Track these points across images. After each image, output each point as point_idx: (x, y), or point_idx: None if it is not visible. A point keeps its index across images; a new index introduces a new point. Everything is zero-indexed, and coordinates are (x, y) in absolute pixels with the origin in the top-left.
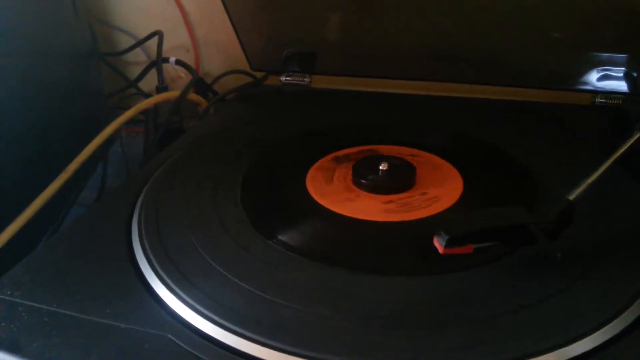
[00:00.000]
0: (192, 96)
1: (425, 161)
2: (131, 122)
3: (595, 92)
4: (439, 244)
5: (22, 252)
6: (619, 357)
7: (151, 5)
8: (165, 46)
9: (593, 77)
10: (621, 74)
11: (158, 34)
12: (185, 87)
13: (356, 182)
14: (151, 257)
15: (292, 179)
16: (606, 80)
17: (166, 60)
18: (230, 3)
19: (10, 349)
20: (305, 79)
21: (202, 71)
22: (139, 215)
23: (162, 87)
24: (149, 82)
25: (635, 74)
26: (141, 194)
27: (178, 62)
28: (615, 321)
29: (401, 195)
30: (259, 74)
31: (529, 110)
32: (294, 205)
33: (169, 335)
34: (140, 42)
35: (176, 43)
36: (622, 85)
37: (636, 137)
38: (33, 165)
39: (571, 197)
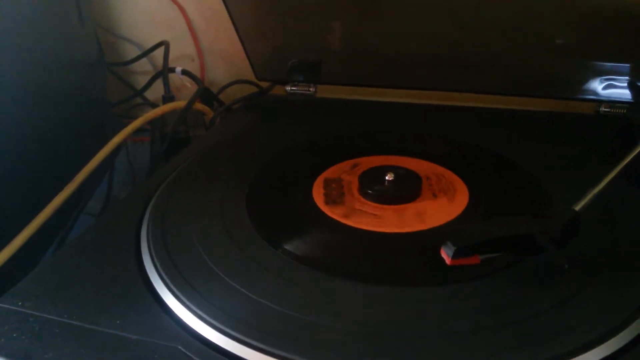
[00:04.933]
0: (199, 106)
1: (430, 171)
2: (137, 131)
3: (600, 101)
4: (446, 254)
5: (29, 261)
6: None
7: (157, 15)
8: (170, 56)
9: (597, 86)
10: (625, 83)
11: (164, 44)
12: (192, 97)
13: (362, 192)
14: (160, 268)
15: (299, 188)
16: (610, 89)
17: (172, 70)
18: (236, 13)
19: None
20: (311, 89)
21: (208, 81)
22: (148, 225)
23: (168, 97)
24: (155, 91)
25: (639, 83)
26: (149, 205)
27: (184, 72)
28: (623, 332)
29: (407, 206)
30: (264, 84)
31: (533, 119)
32: (300, 215)
33: (179, 346)
34: (146, 52)
35: (181, 53)
36: (626, 94)
37: None
38: (40, 175)
39: (577, 207)
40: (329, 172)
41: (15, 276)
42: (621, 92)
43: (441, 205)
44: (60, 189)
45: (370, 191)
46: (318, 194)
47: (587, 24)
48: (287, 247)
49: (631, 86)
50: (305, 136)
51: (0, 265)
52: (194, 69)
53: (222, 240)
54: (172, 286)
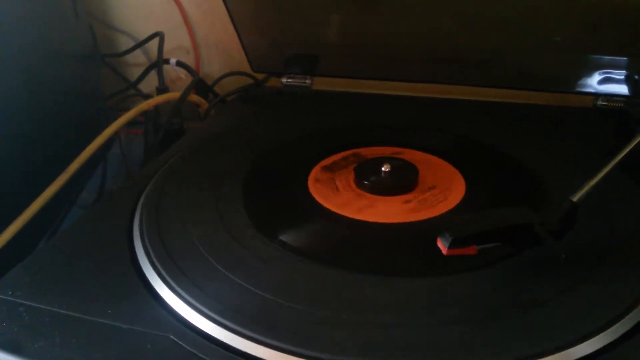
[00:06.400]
0: (193, 97)
1: (427, 163)
2: (130, 123)
3: (597, 95)
4: (442, 245)
5: (20, 253)
6: (625, 358)
7: (152, 6)
8: (165, 47)
9: (595, 80)
10: (622, 77)
11: (159, 35)
12: (186, 88)
13: (358, 183)
14: (153, 258)
15: (294, 180)
16: (608, 83)
17: (167, 61)
18: (232, 4)
19: (11, 350)
20: (307, 81)
21: (202, 73)
22: (141, 216)
23: (162, 89)
24: (149, 83)
25: (636, 77)
26: (142, 195)
27: (179, 64)
28: (620, 322)
29: (403, 197)
30: (259, 76)
31: (531, 112)
32: (294, 205)
33: (171, 336)
34: (140, 44)
35: (176, 44)
36: (623, 88)
37: (639, 139)
38: (32, 166)
39: (575, 199)
40: (324, 164)
41: (5, 268)
42: (618, 86)
43: (438, 197)
44: (53, 180)
45: (366, 182)
46: (313, 185)
47: (585, 18)
48: (283, 237)
49: (628, 80)
50: (301, 128)
51: None
52: (189, 61)
53: (216, 230)
54: (164, 275)
